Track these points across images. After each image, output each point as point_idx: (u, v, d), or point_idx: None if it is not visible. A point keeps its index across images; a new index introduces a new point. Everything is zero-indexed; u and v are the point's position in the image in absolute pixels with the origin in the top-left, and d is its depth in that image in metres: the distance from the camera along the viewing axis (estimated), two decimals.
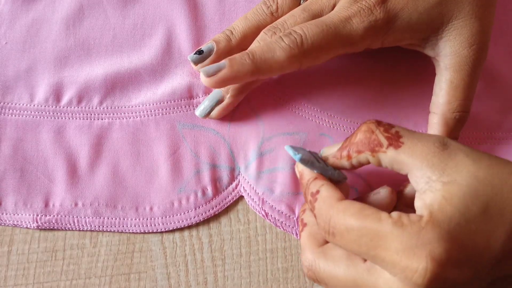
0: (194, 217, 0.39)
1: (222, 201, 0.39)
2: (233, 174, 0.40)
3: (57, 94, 0.41)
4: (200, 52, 0.39)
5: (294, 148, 0.35)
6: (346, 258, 0.31)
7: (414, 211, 0.30)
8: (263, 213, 0.39)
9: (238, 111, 0.41)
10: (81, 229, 0.39)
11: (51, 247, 0.39)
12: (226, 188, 0.40)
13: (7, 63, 0.42)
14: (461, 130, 0.38)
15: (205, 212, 0.39)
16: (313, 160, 0.34)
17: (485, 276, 0.29)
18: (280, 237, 0.39)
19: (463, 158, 0.30)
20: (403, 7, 0.35)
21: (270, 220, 0.39)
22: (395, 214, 0.29)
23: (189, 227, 0.39)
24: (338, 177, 0.34)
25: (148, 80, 0.41)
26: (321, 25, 0.35)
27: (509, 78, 0.43)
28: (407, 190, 0.35)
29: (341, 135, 0.40)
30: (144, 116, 0.41)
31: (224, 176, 0.40)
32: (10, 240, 0.39)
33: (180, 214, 0.39)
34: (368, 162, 0.33)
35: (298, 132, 0.40)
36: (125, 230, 0.39)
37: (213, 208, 0.39)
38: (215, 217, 0.39)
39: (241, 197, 0.40)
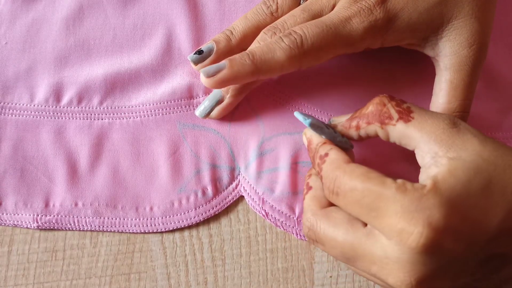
0: (194, 217, 0.39)
1: (222, 201, 0.39)
2: (233, 174, 0.40)
3: (57, 94, 0.41)
4: (200, 52, 0.39)
5: (304, 114, 0.35)
6: (347, 222, 0.31)
7: None
8: (263, 213, 0.39)
9: (238, 111, 0.41)
10: (81, 229, 0.39)
11: (51, 247, 0.39)
12: (226, 188, 0.40)
13: (7, 63, 0.42)
14: None
15: (205, 212, 0.39)
16: (322, 126, 0.34)
17: (479, 251, 0.29)
18: (280, 237, 0.39)
19: (471, 138, 0.30)
20: (403, 7, 0.36)
21: (270, 220, 0.39)
22: (399, 180, 0.29)
23: (189, 227, 0.39)
24: (345, 145, 0.35)
25: (148, 80, 0.41)
26: (321, 25, 0.35)
27: (509, 78, 0.42)
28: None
29: None
30: (144, 116, 0.41)
31: (224, 176, 0.40)
32: (10, 240, 0.39)
33: (180, 214, 0.39)
34: (376, 135, 0.33)
35: (298, 132, 0.40)
36: (126, 230, 0.39)
37: (213, 208, 0.39)
38: (215, 217, 0.39)
39: (241, 197, 0.40)
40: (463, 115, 0.37)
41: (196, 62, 0.39)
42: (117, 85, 0.41)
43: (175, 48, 0.42)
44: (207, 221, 0.39)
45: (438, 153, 0.30)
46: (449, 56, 0.37)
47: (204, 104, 0.40)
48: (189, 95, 0.41)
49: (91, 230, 0.39)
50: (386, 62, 0.42)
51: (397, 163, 0.40)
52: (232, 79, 0.35)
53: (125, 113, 0.41)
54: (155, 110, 0.41)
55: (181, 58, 0.42)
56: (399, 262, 0.28)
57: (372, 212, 0.29)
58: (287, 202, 0.39)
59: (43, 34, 0.42)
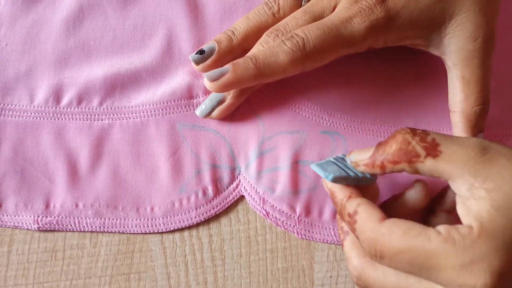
0: (195, 217, 0.39)
1: (223, 201, 0.39)
2: (233, 174, 0.40)
3: (57, 95, 0.41)
4: (201, 52, 0.39)
5: (322, 166, 0.34)
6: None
7: (454, 216, 0.30)
8: (264, 212, 0.39)
9: (238, 111, 0.41)
10: (82, 230, 0.39)
11: (51, 247, 0.39)
12: (227, 188, 0.40)
13: (7, 64, 0.42)
14: (485, 122, 0.38)
15: (206, 212, 0.39)
16: (345, 176, 0.33)
17: None
18: (280, 237, 0.39)
19: (506, 163, 0.29)
20: (404, 5, 0.35)
21: (271, 219, 0.39)
22: (442, 229, 0.28)
23: (189, 227, 0.39)
24: (369, 182, 0.34)
25: (148, 81, 0.41)
26: (322, 27, 0.35)
27: (509, 75, 0.43)
28: (448, 196, 0.34)
29: (341, 133, 0.40)
30: (144, 117, 0.41)
31: (225, 176, 0.40)
32: (10, 240, 0.39)
33: (181, 215, 0.39)
34: (403, 171, 0.32)
35: (298, 131, 0.40)
36: (126, 231, 0.39)
37: (214, 208, 0.39)
38: (215, 217, 0.39)
39: (242, 197, 0.40)
40: (483, 107, 0.37)
41: (197, 62, 0.39)
42: (117, 85, 0.41)
43: (176, 48, 0.42)
44: (207, 221, 0.39)
45: (474, 185, 0.29)
46: (455, 52, 0.37)
47: (205, 104, 0.40)
48: (189, 95, 0.41)
49: (91, 231, 0.39)
50: (387, 60, 0.42)
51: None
52: (235, 83, 0.35)
53: (125, 114, 0.41)
54: (155, 111, 0.41)
55: (181, 58, 0.42)
56: None
57: (425, 270, 0.28)
58: (288, 202, 0.39)
59: (43, 35, 0.42)
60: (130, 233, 0.39)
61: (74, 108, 0.41)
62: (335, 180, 0.33)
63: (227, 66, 0.35)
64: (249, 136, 0.40)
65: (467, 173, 0.29)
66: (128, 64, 0.42)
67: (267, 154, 0.40)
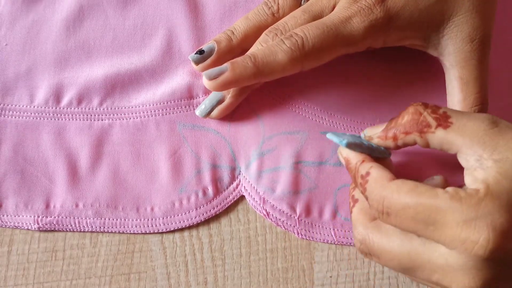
0: (195, 217, 0.39)
1: (223, 201, 0.39)
2: (233, 174, 0.40)
3: (57, 95, 0.41)
4: (201, 52, 0.39)
5: (337, 134, 0.35)
6: (400, 232, 0.31)
7: None
8: (264, 212, 0.39)
9: (238, 111, 0.41)
10: (82, 230, 0.39)
11: (51, 247, 0.39)
12: (227, 188, 0.40)
13: (7, 64, 0.42)
14: None
15: (206, 212, 0.39)
16: (359, 143, 0.34)
17: None
18: (280, 237, 0.39)
19: None
20: (403, 5, 0.36)
21: (271, 219, 0.39)
22: (450, 189, 0.29)
23: (189, 227, 0.39)
24: (384, 155, 0.34)
25: (148, 81, 0.41)
26: (321, 26, 0.35)
27: (507, 76, 0.43)
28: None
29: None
30: (144, 117, 0.41)
31: (225, 176, 0.40)
32: (10, 240, 0.39)
33: (181, 215, 0.39)
34: (415, 143, 0.33)
35: (298, 131, 0.40)
36: (126, 231, 0.39)
37: (214, 208, 0.39)
38: (215, 217, 0.39)
39: (241, 197, 0.40)
40: (482, 107, 0.37)
41: (197, 62, 0.39)
42: (117, 85, 0.41)
43: (175, 48, 0.42)
44: (207, 221, 0.39)
45: (483, 156, 0.29)
46: (453, 54, 0.37)
47: (204, 103, 0.40)
48: (189, 95, 0.41)
49: (91, 231, 0.39)
50: (387, 60, 0.42)
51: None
52: (234, 81, 0.36)
53: (125, 114, 0.41)
54: (155, 111, 0.41)
55: (181, 58, 0.42)
56: (463, 269, 0.28)
57: (430, 226, 0.29)
58: (288, 202, 0.39)
59: (43, 35, 0.42)
60: (130, 233, 0.39)
61: (74, 108, 0.41)
62: (349, 145, 0.34)
63: (226, 65, 0.35)
64: (249, 136, 0.40)
65: (476, 144, 0.30)
66: (128, 64, 0.42)
67: (268, 154, 0.40)
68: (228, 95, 0.39)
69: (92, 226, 0.39)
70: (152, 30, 0.43)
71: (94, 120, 0.41)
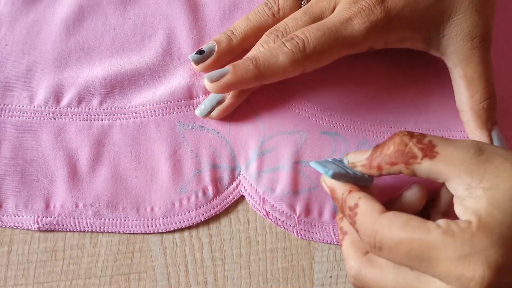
0: (195, 217, 0.39)
1: (223, 201, 0.39)
2: (233, 174, 0.40)
3: (57, 95, 0.41)
4: (201, 52, 0.39)
5: (321, 163, 0.34)
6: (394, 265, 0.31)
7: (450, 219, 0.30)
8: (264, 212, 0.39)
9: (238, 111, 0.41)
10: (82, 230, 0.39)
11: (51, 247, 0.39)
12: (227, 188, 0.40)
13: (7, 64, 0.42)
14: (495, 114, 0.38)
15: (206, 212, 0.39)
16: (344, 173, 0.34)
17: None
18: (280, 237, 0.39)
19: (502, 162, 0.29)
20: (404, 6, 0.36)
21: (271, 219, 0.39)
22: (442, 222, 0.29)
23: (189, 227, 0.39)
24: (367, 183, 0.34)
25: (148, 81, 0.41)
26: (322, 28, 0.35)
27: (508, 75, 0.43)
28: (441, 198, 0.35)
29: (341, 133, 0.40)
30: (144, 117, 0.41)
31: (225, 176, 0.40)
32: (10, 240, 0.39)
33: (181, 215, 0.39)
34: (400, 173, 0.32)
35: (298, 131, 0.40)
36: (126, 231, 0.39)
37: (214, 208, 0.39)
38: (215, 217, 0.39)
39: (242, 197, 0.40)
40: (490, 101, 0.37)
41: (197, 62, 0.39)
42: (117, 86, 0.41)
43: (175, 48, 0.42)
44: (207, 221, 0.39)
45: (471, 185, 0.29)
46: (454, 53, 0.37)
47: (204, 103, 0.40)
48: (189, 96, 0.41)
49: (91, 232, 0.39)
50: (387, 61, 0.42)
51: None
52: (235, 84, 0.36)
53: (125, 114, 0.41)
54: (155, 111, 0.41)
55: (181, 58, 0.42)
56: None
57: (423, 262, 0.28)
58: (288, 202, 0.39)
59: (43, 35, 0.42)
60: (130, 233, 0.39)
61: (74, 108, 0.41)
62: (335, 176, 0.33)
63: (228, 67, 0.35)
64: (249, 136, 0.40)
65: (464, 173, 0.29)
66: (128, 64, 0.42)
67: (268, 154, 0.40)
68: (228, 96, 0.39)
69: (92, 226, 0.39)
70: (152, 30, 0.43)
71: (94, 120, 0.41)
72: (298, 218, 0.39)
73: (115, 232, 0.39)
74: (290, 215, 0.39)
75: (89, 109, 0.41)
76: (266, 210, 0.39)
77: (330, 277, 0.39)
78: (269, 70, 0.35)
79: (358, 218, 0.31)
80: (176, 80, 0.41)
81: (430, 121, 0.41)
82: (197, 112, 0.40)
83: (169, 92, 0.41)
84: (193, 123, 0.41)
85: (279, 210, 0.39)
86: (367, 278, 0.32)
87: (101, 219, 0.39)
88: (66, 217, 0.39)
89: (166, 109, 0.41)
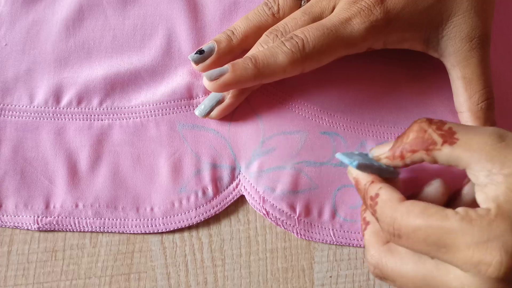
0: (195, 217, 0.39)
1: (223, 201, 0.39)
2: (233, 174, 0.40)
3: (56, 95, 0.41)
4: (201, 51, 0.39)
5: (347, 154, 0.35)
6: (413, 254, 0.31)
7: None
8: (264, 211, 0.39)
9: (238, 111, 0.41)
10: (82, 230, 0.39)
11: (51, 247, 0.39)
12: (227, 188, 0.40)
13: (7, 64, 0.42)
14: (494, 114, 0.38)
15: (206, 212, 0.39)
16: (369, 164, 0.34)
17: None
18: (280, 237, 0.39)
19: None
20: (403, 7, 0.36)
21: (271, 219, 0.39)
22: (460, 209, 0.29)
23: (189, 227, 0.39)
24: (393, 175, 0.34)
25: (148, 81, 0.41)
26: (322, 28, 0.35)
27: (508, 78, 0.43)
28: (465, 191, 0.34)
29: (341, 134, 0.41)
30: (144, 117, 0.41)
31: (225, 175, 0.40)
32: (10, 240, 0.39)
33: (181, 214, 0.39)
34: (423, 161, 0.32)
35: (298, 131, 0.40)
36: (126, 231, 0.39)
37: (213, 208, 0.39)
38: (215, 217, 0.39)
39: (242, 198, 0.40)
40: (488, 102, 0.37)
41: (197, 62, 0.39)
42: (117, 85, 0.41)
43: (175, 48, 0.42)
44: (207, 221, 0.39)
45: (492, 171, 0.29)
46: (453, 54, 0.37)
47: (204, 103, 0.40)
48: (188, 96, 0.41)
49: (91, 231, 0.39)
50: (387, 61, 0.42)
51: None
52: (234, 83, 0.36)
53: (125, 114, 0.41)
54: (155, 111, 0.41)
55: (181, 58, 0.42)
56: None
57: (442, 249, 0.29)
58: (288, 201, 0.39)
59: (43, 35, 0.42)
60: (130, 233, 0.39)
61: (74, 108, 0.41)
62: (360, 167, 0.34)
63: (227, 66, 0.36)
64: (249, 136, 0.40)
65: (484, 160, 0.29)
66: (128, 64, 0.42)
67: (268, 154, 0.40)
68: (228, 96, 0.39)
69: (92, 226, 0.39)
70: (152, 30, 0.43)
71: (94, 120, 0.41)
72: (298, 218, 0.39)
73: (115, 232, 0.39)
74: (290, 215, 0.39)
75: (89, 109, 0.41)
76: (266, 209, 0.39)
77: (330, 277, 0.39)
78: (268, 69, 0.35)
79: (378, 207, 0.31)
80: (176, 80, 0.41)
81: None
82: (197, 112, 0.40)
83: (169, 92, 0.41)
84: (193, 123, 0.40)
85: (279, 209, 0.39)
86: (387, 267, 0.32)
87: (101, 219, 0.39)
88: (66, 217, 0.39)
89: (166, 109, 0.41)
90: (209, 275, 0.38)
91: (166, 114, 0.41)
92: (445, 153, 0.31)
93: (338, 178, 0.40)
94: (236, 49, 0.40)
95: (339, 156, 0.35)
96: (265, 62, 0.35)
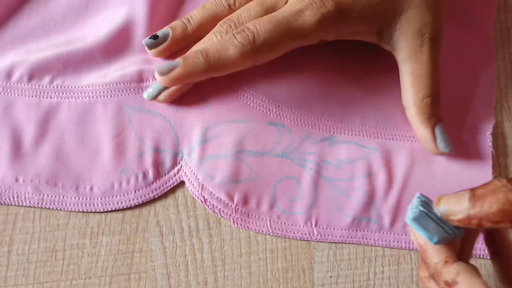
0: (133, 200, 0.39)
1: (163, 185, 0.40)
2: (176, 159, 0.40)
3: (9, 70, 0.41)
4: (155, 37, 0.40)
5: (421, 223, 0.30)
6: None
7: None
8: (202, 199, 0.39)
9: (186, 97, 0.41)
10: (20, 204, 0.39)
11: (51, 247, 0.39)
12: (168, 173, 0.40)
13: None
14: (440, 110, 0.38)
15: (145, 195, 0.39)
16: (447, 236, 0.30)
17: None
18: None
19: None
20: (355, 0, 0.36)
21: (208, 206, 0.39)
22: None
23: (189, 227, 0.39)
24: (458, 237, 0.31)
25: (101, 62, 0.41)
26: (273, 20, 0.36)
27: (455, 78, 0.42)
28: None
29: (287, 125, 0.40)
30: (93, 97, 0.41)
31: (167, 160, 0.40)
32: (10, 240, 0.39)
33: (120, 196, 0.39)
34: (506, 228, 0.29)
35: (244, 120, 0.40)
36: (64, 208, 0.39)
37: (152, 192, 0.39)
38: (216, 217, 0.39)
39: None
40: (433, 98, 0.38)
41: (150, 47, 0.40)
42: (69, 65, 0.41)
43: (131, 31, 0.42)
44: (207, 220, 0.39)
45: None
46: (404, 48, 0.37)
47: (152, 86, 0.40)
48: (138, 79, 0.41)
49: (29, 206, 0.39)
50: (339, 54, 0.42)
51: None
52: (185, 76, 0.36)
53: (74, 93, 0.41)
54: (103, 92, 0.41)
55: (135, 41, 0.42)
56: None
57: None
58: (226, 190, 0.39)
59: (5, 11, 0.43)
60: (69, 211, 0.39)
61: (24, 84, 0.41)
62: (439, 242, 0.30)
63: (177, 60, 0.36)
64: (194, 122, 0.40)
65: None
66: (82, 43, 0.42)
67: (211, 141, 0.40)
68: None
69: (30, 201, 0.39)
70: (113, 11, 0.43)
71: (43, 98, 0.41)
72: (235, 207, 0.39)
73: (53, 208, 0.39)
74: (228, 204, 0.39)
75: (39, 86, 0.41)
76: (204, 197, 0.39)
77: (330, 277, 0.39)
78: (219, 62, 0.36)
79: None
80: (128, 62, 0.42)
81: (378, 118, 0.41)
82: (145, 95, 0.40)
83: (120, 74, 0.41)
84: (140, 106, 0.40)
85: (217, 198, 0.39)
86: None
87: (40, 194, 0.39)
88: (6, 191, 0.39)
89: (115, 91, 0.41)
90: (209, 275, 0.38)
91: (114, 95, 0.41)
92: None
93: (280, 170, 0.39)
94: (190, 37, 0.40)
95: (412, 224, 0.30)
96: (215, 55, 0.36)
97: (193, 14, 0.40)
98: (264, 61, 0.37)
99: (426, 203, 0.31)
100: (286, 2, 0.38)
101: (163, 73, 0.36)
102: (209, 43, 0.38)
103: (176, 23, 0.40)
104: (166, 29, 0.40)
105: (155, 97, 0.39)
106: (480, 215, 0.28)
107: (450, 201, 0.29)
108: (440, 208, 0.30)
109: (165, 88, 0.39)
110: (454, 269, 0.28)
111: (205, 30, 0.39)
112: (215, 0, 0.40)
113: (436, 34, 0.37)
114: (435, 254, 0.29)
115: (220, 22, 0.38)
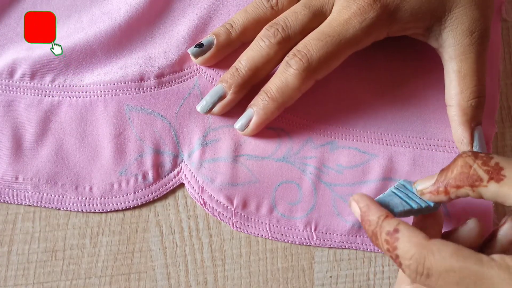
0: (133, 201, 0.39)
1: (162, 187, 0.40)
2: (176, 161, 0.40)
3: (11, 68, 0.41)
4: (200, 45, 0.39)
5: (386, 199, 0.33)
6: None
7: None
8: (201, 201, 0.39)
9: (188, 99, 0.41)
10: (19, 203, 0.39)
11: (51, 247, 0.39)
12: (168, 174, 0.40)
13: None
14: (481, 114, 0.38)
15: (144, 197, 0.39)
16: (409, 209, 0.33)
17: None
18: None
19: None
20: None
21: (207, 209, 0.39)
22: (497, 256, 0.28)
23: (189, 227, 0.39)
24: (432, 210, 0.33)
25: (102, 61, 0.41)
26: (323, 37, 0.36)
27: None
28: (502, 233, 0.33)
29: (286, 129, 0.40)
30: (94, 96, 0.41)
31: (167, 162, 0.40)
32: (10, 240, 0.39)
33: (119, 197, 0.39)
34: (468, 195, 0.31)
35: None
36: (63, 208, 0.39)
37: (152, 193, 0.39)
38: (215, 217, 0.39)
39: None
40: (479, 101, 0.37)
41: (196, 55, 0.40)
42: (71, 63, 0.41)
43: (134, 29, 0.42)
44: (207, 220, 0.39)
45: None
46: (452, 46, 0.37)
47: (206, 99, 0.39)
48: (140, 78, 0.41)
49: (29, 205, 0.39)
50: (343, 63, 0.41)
51: None
52: (263, 123, 0.38)
53: (75, 92, 0.41)
54: (104, 91, 0.41)
55: (138, 40, 0.42)
56: None
57: None
58: (226, 193, 0.39)
59: (7, 9, 0.43)
60: (69, 211, 0.39)
61: (27, 83, 0.41)
62: (402, 215, 0.32)
63: (251, 110, 0.38)
64: (195, 125, 0.40)
65: None
66: (84, 42, 0.41)
67: (211, 144, 0.40)
68: (229, 91, 0.39)
69: (29, 200, 0.39)
70: (115, 9, 0.42)
71: (45, 96, 0.41)
72: (234, 210, 0.39)
73: (52, 208, 0.39)
74: (227, 207, 0.39)
75: (41, 84, 0.41)
76: (203, 199, 0.39)
77: (330, 277, 0.39)
78: (285, 96, 0.37)
79: (400, 243, 0.30)
80: (130, 62, 0.41)
81: (380, 124, 0.41)
82: (199, 108, 0.39)
83: (121, 73, 0.41)
84: (141, 106, 0.40)
85: (217, 200, 0.39)
86: None
87: (39, 193, 0.39)
88: (5, 189, 0.39)
89: (116, 90, 0.41)
90: (209, 275, 0.38)
91: (115, 95, 0.41)
92: (491, 190, 0.30)
93: (280, 174, 0.39)
94: (235, 42, 0.40)
95: (378, 200, 0.33)
96: (279, 91, 0.37)
97: (236, 18, 0.40)
98: (324, 75, 0.38)
99: (404, 186, 0.34)
100: (332, 5, 0.37)
101: (243, 129, 0.38)
102: (257, 49, 0.38)
103: (220, 29, 0.40)
104: (210, 36, 0.40)
105: (209, 110, 0.39)
106: (445, 182, 0.31)
107: (425, 179, 0.33)
108: (416, 186, 0.33)
109: (219, 100, 0.39)
110: (395, 221, 0.31)
111: (249, 34, 0.39)
112: (256, 2, 0.40)
113: (485, 32, 0.37)
114: (377, 212, 0.32)
115: (266, 26, 0.38)
